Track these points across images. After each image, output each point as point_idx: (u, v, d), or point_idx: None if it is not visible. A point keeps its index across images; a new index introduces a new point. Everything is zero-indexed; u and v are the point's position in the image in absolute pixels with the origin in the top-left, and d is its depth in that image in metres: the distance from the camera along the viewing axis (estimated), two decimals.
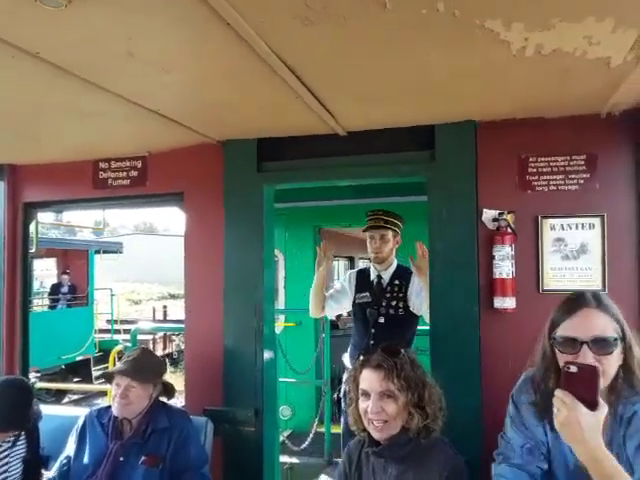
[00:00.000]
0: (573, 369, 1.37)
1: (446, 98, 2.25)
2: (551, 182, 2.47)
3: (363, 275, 3.45)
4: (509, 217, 2.47)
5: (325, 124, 2.50)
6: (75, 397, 10.72)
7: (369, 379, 1.82)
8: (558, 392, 1.38)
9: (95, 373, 11.06)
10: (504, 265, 2.44)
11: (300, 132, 2.70)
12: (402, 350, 1.87)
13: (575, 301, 1.53)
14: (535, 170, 2.49)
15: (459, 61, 1.82)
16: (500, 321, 2.46)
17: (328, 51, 1.73)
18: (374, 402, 1.78)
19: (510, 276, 2.44)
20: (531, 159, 2.49)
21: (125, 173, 3.11)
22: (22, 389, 2.40)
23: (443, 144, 2.54)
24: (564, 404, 1.34)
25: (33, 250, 3.58)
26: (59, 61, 1.75)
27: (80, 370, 11.35)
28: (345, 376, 3.35)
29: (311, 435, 4.45)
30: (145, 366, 2.38)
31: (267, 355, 2.79)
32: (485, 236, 2.50)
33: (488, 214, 2.50)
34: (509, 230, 2.45)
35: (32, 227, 3.47)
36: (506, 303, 2.43)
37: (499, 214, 2.47)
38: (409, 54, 1.76)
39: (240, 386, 2.75)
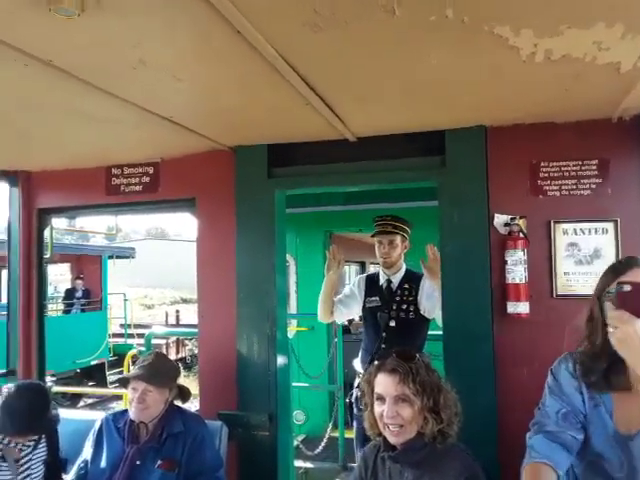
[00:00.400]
0: (627, 288, 1.40)
1: (456, 103, 2.25)
2: (563, 187, 2.46)
3: (372, 280, 3.45)
4: (521, 222, 2.46)
5: (335, 130, 2.51)
6: (90, 401, 10.80)
7: (384, 383, 1.81)
8: (612, 312, 1.40)
9: (110, 377, 11.14)
10: (517, 270, 2.43)
11: (310, 138, 2.71)
12: (417, 355, 1.87)
13: (625, 263, 1.56)
14: (546, 175, 2.48)
15: (469, 66, 1.83)
16: (514, 326, 2.45)
17: (337, 57, 1.74)
18: (389, 406, 1.78)
19: (523, 281, 2.42)
20: (542, 164, 2.48)
21: (137, 179, 3.13)
22: (39, 393, 2.43)
23: (453, 149, 2.54)
24: (620, 320, 1.36)
25: (48, 255, 3.62)
26: (72, 68, 1.77)
27: (95, 374, 11.44)
28: (357, 381, 3.34)
29: (325, 440, 4.45)
30: (161, 370, 2.40)
31: (280, 360, 2.80)
32: (497, 241, 2.49)
33: (500, 219, 2.49)
34: (521, 235, 2.44)
35: (47, 233, 3.51)
36: (519, 308, 2.42)
37: (511, 219, 2.47)
38: (418, 60, 1.77)
39: (254, 391, 2.76)
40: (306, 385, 4.95)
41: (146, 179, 3.11)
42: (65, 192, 3.28)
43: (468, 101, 2.22)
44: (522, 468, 1.61)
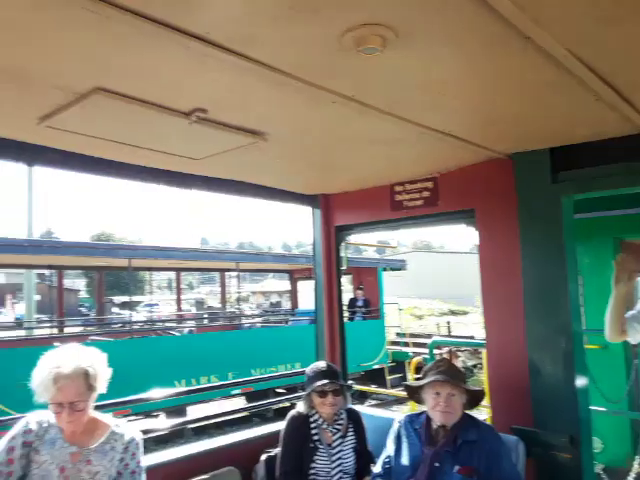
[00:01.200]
0: None
1: None
2: None
3: None
4: None
5: (630, 123, 2.26)
6: (374, 402, 11.60)
7: None
8: None
9: (390, 382, 11.77)
10: None
11: (599, 136, 2.49)
12: None
13: None
14: None
15: None
16: None
17: (634, 44, 1.58)
18: None
19: None
20: None
21: (418, 194, 3.30)
22: None
23: None
24: None
25: (344, 268, 4.10)
26: (367, 99, 1.97)
27: (376, 378, 12.26)
28: None
29: (633, 474, 3.92)
30: (457, 375, 2.47)
31: (579, 379, 2.60)
32: None
33: None
34: None
35: (342, 248, 3.98)
36: None
37: None
38: None
39: (551, 409, 2.61)
40: (603, 409, 4.43)
41: (426, 193, 3.26)
42: (356, 210, 3.67)
43: None
44: None
